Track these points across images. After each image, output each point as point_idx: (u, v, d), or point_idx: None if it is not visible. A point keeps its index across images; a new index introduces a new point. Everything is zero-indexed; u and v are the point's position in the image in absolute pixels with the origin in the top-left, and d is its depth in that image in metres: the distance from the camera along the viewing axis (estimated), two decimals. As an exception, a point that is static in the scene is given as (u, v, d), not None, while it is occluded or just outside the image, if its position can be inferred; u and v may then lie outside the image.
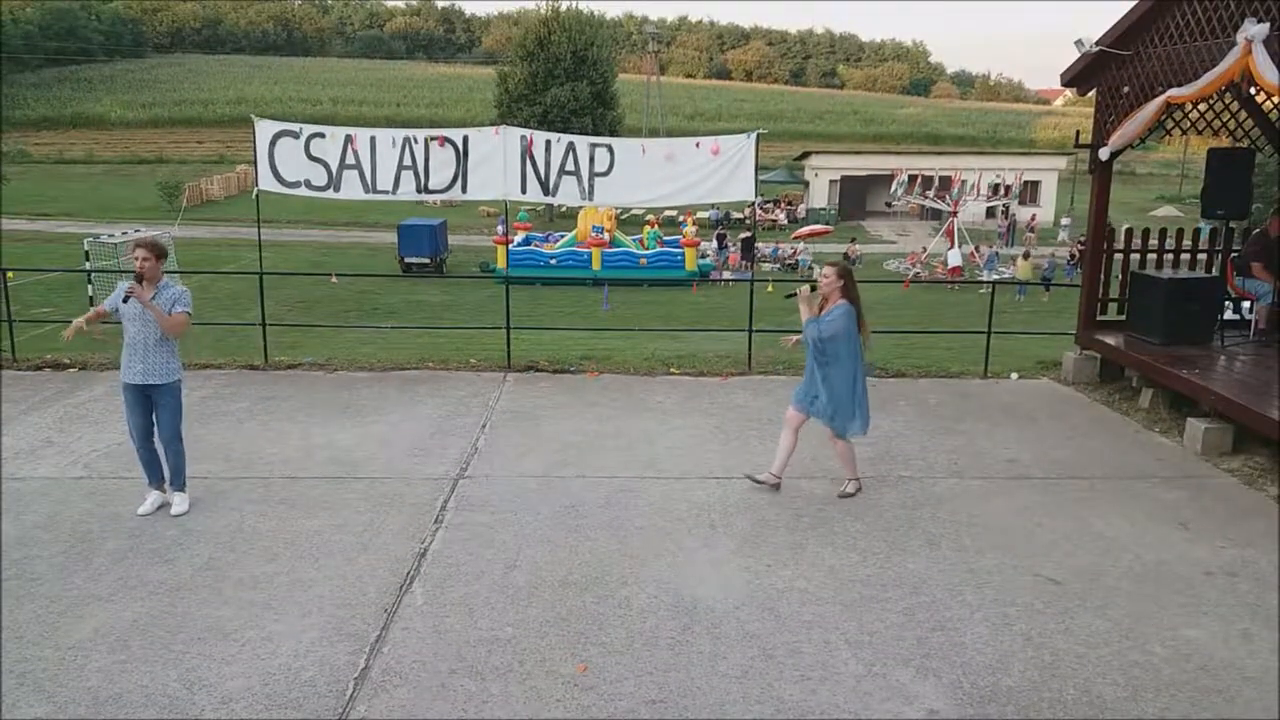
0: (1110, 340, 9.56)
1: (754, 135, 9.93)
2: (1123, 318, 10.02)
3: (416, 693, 4.23)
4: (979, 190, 38.45)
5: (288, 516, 6.12)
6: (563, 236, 33.70)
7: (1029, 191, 49.47)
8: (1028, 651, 4.62)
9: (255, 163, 10.01)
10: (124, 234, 25.63)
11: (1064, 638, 4.76)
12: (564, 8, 53.57)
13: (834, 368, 6.34)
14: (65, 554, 5.54)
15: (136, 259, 5.95)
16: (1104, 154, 9.26)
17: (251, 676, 4.33)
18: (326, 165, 9.90)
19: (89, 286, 22.34)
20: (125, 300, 5.89)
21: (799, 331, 6.47)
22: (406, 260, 32.27)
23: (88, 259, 23.17)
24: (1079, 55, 9.34)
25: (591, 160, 9.97)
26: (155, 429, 6.14)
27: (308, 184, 9.96)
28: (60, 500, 6.31)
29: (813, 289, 6.45)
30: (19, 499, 6.32)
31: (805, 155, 57.45)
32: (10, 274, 11.28)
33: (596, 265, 30.22)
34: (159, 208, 46.95)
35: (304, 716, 4.06)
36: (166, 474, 6.22)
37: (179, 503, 6.17)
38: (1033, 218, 46.59)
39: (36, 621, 4.77)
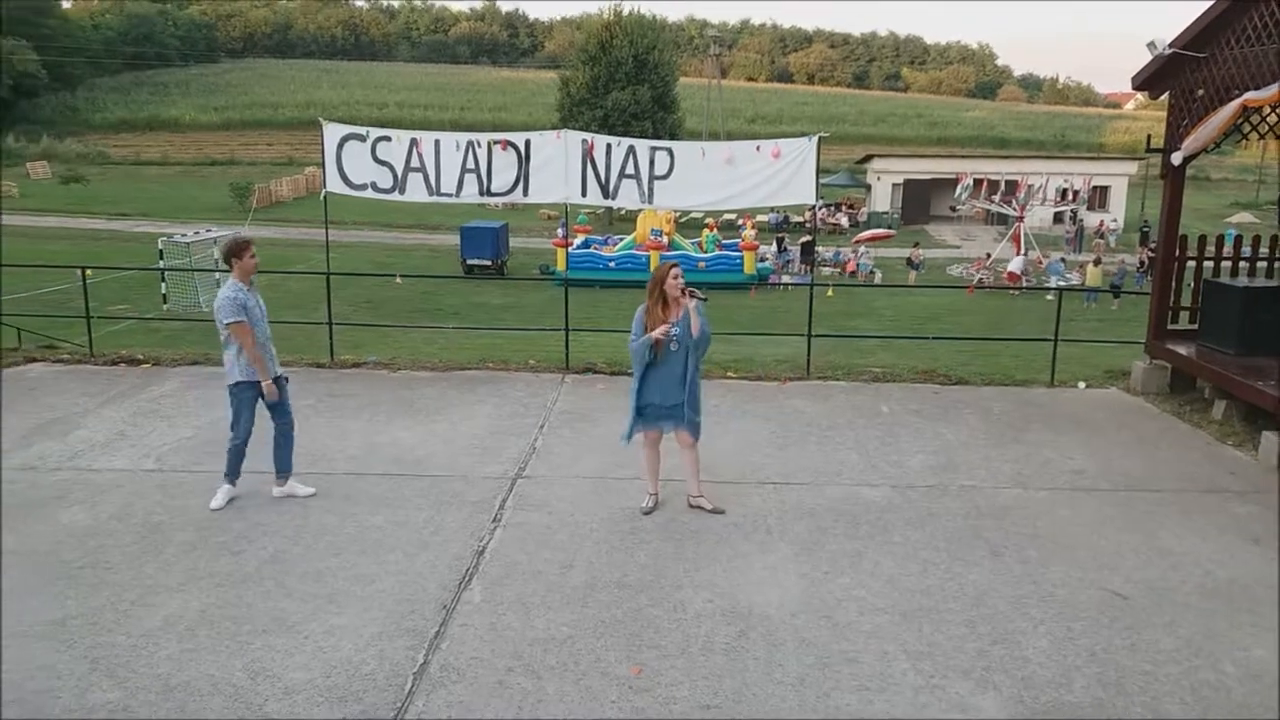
0: (1181, 350, 9.31)
1: (815, 138, 9.87)
2: (1194, 327, 9.76)
3: (474, 689, 4.29)
4: (1045, 195, 37.63)
5: (351, 512, 6.25)
6: (621, 239, 33.78)
7: (1098, 197, 48.32)
8: (1092, 667, 4.52)
9: (323, 165, 10.21)
10: (196, 234, 26.34)
11: (1130, 654, 4.65)
12: (626, 11, 53.78)
13: (699, 367, 6.29)
14: (137, 544, 5.72)
15: (253, 255, 6.34)
16: (1176, 159, 9.03)
17: (314, 668, 4.43)
18: (392, 168, 10.07)
19: (162, 284, 23.01)
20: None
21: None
22: (468, 262, 32.59)
23: (161, 258, 23.86)
24: (1151, 58, 9.11)
25: (651, 163, 10.00)
26: (274, 420, 6.47)
27: (374, 186, 10.14)
28: (133, 492, 6.52)
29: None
30: (94, 490, 6.54)
31: (868, 158, 56.76)
32: (88, 271, 11.66)
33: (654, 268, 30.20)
34: (230, 208, 48.11)
35: (364, 709, 4.14)
36: (275, 465, 6.51)
37: (299, 488, 6.52)
38: (1101, 223, 45.46)
39: (110, 609, 4.93)
